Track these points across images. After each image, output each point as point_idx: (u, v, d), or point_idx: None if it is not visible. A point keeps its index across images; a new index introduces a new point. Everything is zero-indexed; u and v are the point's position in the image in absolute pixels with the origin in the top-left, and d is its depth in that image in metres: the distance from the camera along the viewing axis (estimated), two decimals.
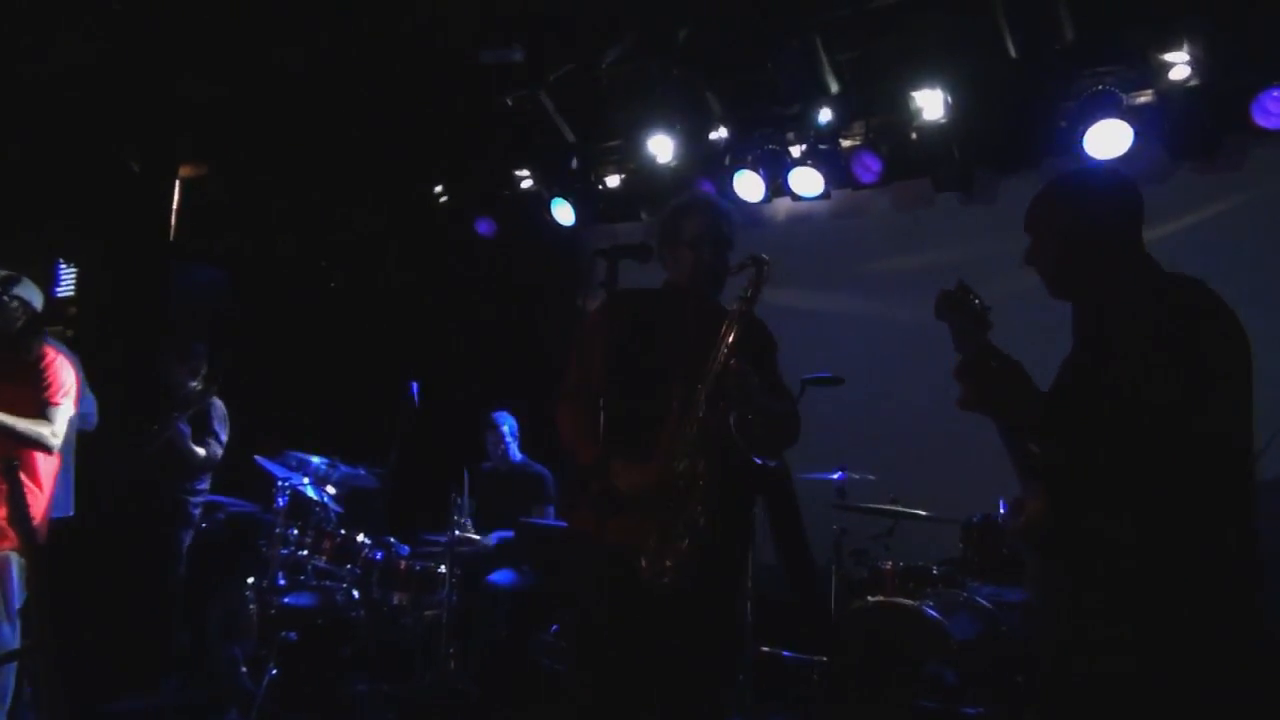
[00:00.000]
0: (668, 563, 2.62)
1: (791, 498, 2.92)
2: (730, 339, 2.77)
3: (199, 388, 5.40)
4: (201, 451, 5.34)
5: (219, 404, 5.49)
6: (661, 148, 6.53)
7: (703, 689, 2.83)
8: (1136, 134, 5.20)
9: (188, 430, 5.27)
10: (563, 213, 7.03)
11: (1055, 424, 2.07)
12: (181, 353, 5.55)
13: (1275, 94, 4.92)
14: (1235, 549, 2.04)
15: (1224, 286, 2.23)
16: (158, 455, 5.21)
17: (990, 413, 2.15)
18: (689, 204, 3.14)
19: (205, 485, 5.53)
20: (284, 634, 5.03)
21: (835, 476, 5.16)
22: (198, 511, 5.51)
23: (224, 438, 5.48)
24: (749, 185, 6.37)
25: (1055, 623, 2.19)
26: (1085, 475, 2.08)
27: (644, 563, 2.64)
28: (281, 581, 5.26)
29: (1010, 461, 2.29)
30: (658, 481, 2.68)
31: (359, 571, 5.44)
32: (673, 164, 6.56)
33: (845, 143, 6.19)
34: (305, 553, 5.41)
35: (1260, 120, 4.98)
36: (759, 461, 2.71)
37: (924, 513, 4.98)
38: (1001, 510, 4.70)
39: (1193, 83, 5.16)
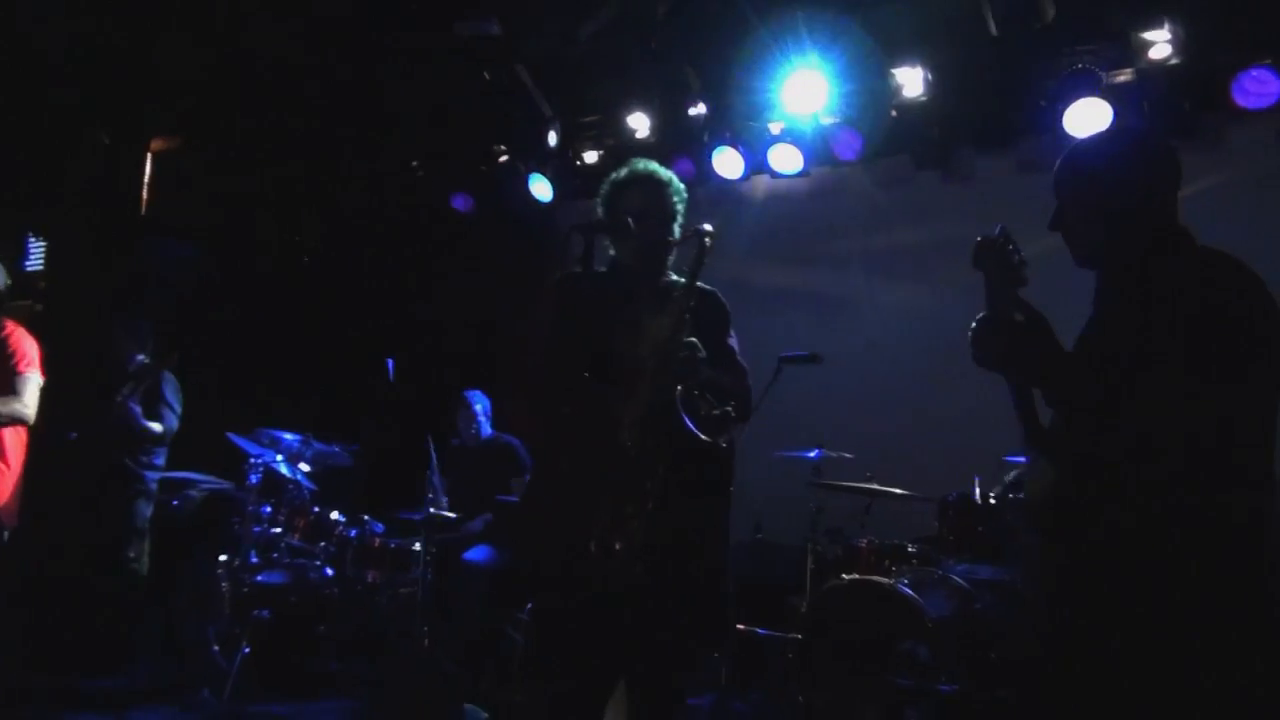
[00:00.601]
0: (617, 545, 2.57)
1: (726, 483, 2.84)
2: (676, 315, 2.72)
3: (148, 363, 5.33)
4: (158, 427, 5.29)
5: (170, 377, 5.43)
6: (640, 123, 6.49)
7: (659, 670, 2.79)
8: (1116, 113, 5.18)
9: (139, 409, 5.21)
10: (540, 188, 6.97)
11: (1078, 391, 1.99)
12: (130, 327, 5.48)
13: (1254, 74, 4.92)
14: (1256, 540, 1.96)
15: None
16: (111, 430, 5.14)
17: (1008, 371, 2.06)
18: (628, 178, 3.01)
19: (161, 460, 5.47)
20: (257, 612, 5.01)
21: (812, 454, 5.15)
22: (155, 485, 5.45)
23: (178, 409, 5.42)
24: (728, 162, 6.33)
25: (1052, 607, 2.13)
26: (1098, 453, 1.99)
27: (593, 545, 2.59)
28: (254, 559, 5.24)
29: (1021, 433, 2.18)
30: (608, 464, 2.63)
31: (333, 549, 5.42)
32: (651, 140, 6.51)
33: (825, 120, 6.15)
34: (278, 530, 5.38)
35: (1239, 100, 4.98)
36: (705, 439, 2.64)
37: (900, 491, 4.99)
38: (975, 491, 4.72)
39: (1172, 62, 5.16)
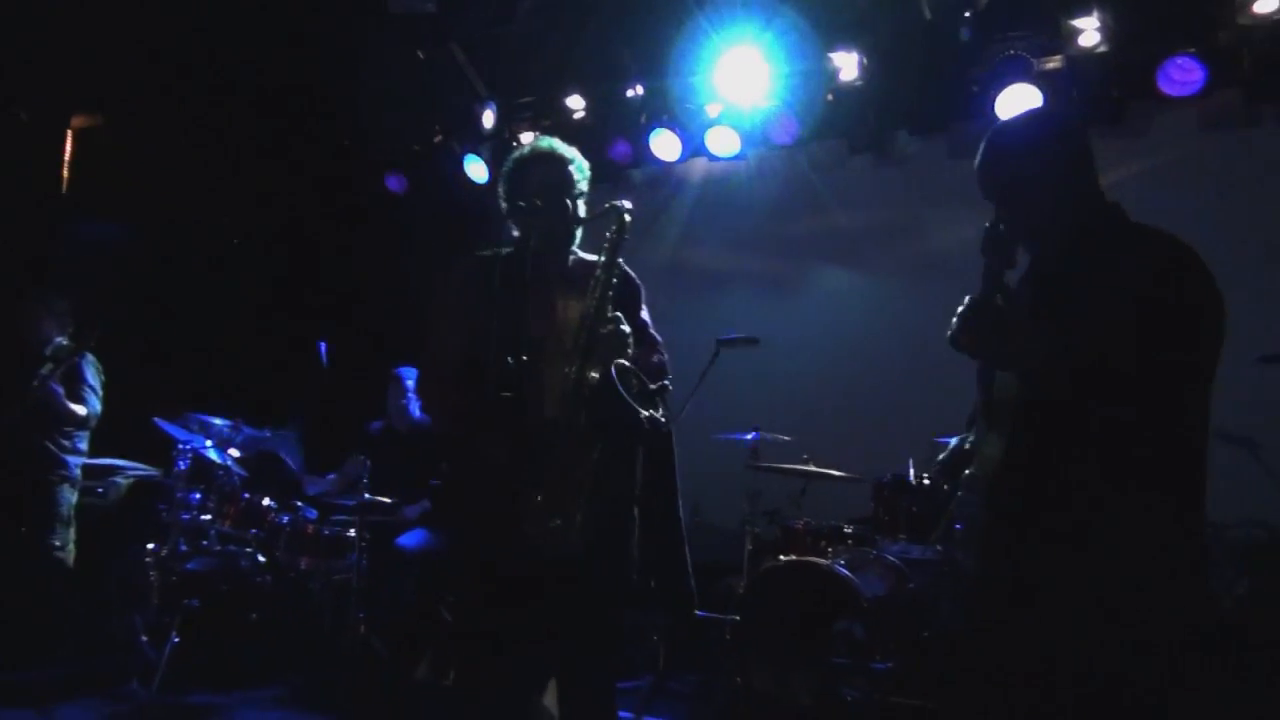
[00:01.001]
0: (554, 524, 2.54)
1: (669, 465, 2.83)
2: (598, 295, 2.69)
3: (68, 344, 5.18)
4: (81, 409, 5.15)
5: (91, 359, 5.28)
6: (577, 105, 6.44)
7: (591, 647, 2.77)
8: (1046, 99, 5.26)
9: (60, 390, 5.06)
10: (476, 169, 6.89)
11: (1046, 373, 2.03)
12: (49, 307, 5.31)
13: (1179, 62, 5.02)
14: (1189, 515, 2.03)
15: None
16: (31, 413, 5.00)
17: (983, 351, 2.08)
18: (531, 155, 2.92)
19: (84, 445, 5.33)
20: (186, 601, 4.91)
21: (749, 437, 5.18)
22: (78, 471, 5.31)
23: (100, 391, 5.28)
24: (665, 144, 6.31)
25: (990, 578, 2.17)
26: (1051, 431, 2.04)
27: (527, 527, 2.57)
28: (183, 547, 5.14)
29: (977, 402, 2.23)
30: (535, 441, 2.60)
31: (264, 536, 5.32)
32: (588, 121, 6.47)
33: (762, 103, 6.16)
34: (208, 518, 5.28)
35: (1164, 87, 5.09)
36: (644, 414, 2.62)
37: (836, 472, 5.04)
38: (909, 472, 4.79)
39: (1101, 49, 5.25)
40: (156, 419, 5.35)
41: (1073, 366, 1.98)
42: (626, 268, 2.91)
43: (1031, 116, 2.46)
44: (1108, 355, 1.95)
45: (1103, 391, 1.97)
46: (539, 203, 2.82)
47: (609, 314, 2.68)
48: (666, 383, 2.74)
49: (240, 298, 7.26)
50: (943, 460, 2.36)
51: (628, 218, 2.76)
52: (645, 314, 3.03)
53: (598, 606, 2.73)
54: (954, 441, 2.36)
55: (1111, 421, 1.98)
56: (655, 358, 2.95)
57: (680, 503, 2.93)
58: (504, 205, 2.92)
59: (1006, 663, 2.09)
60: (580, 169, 2.93)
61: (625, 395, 2.56)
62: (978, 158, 2.27)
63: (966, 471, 2.19)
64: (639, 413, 2.57)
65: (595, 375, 2.61)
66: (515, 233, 2.92)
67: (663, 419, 2.69)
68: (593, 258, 2.85)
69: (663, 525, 2.84)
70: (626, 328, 2.68)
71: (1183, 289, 2.00)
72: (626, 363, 2.65)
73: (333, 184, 7.43)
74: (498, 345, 2.63)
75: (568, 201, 2.87)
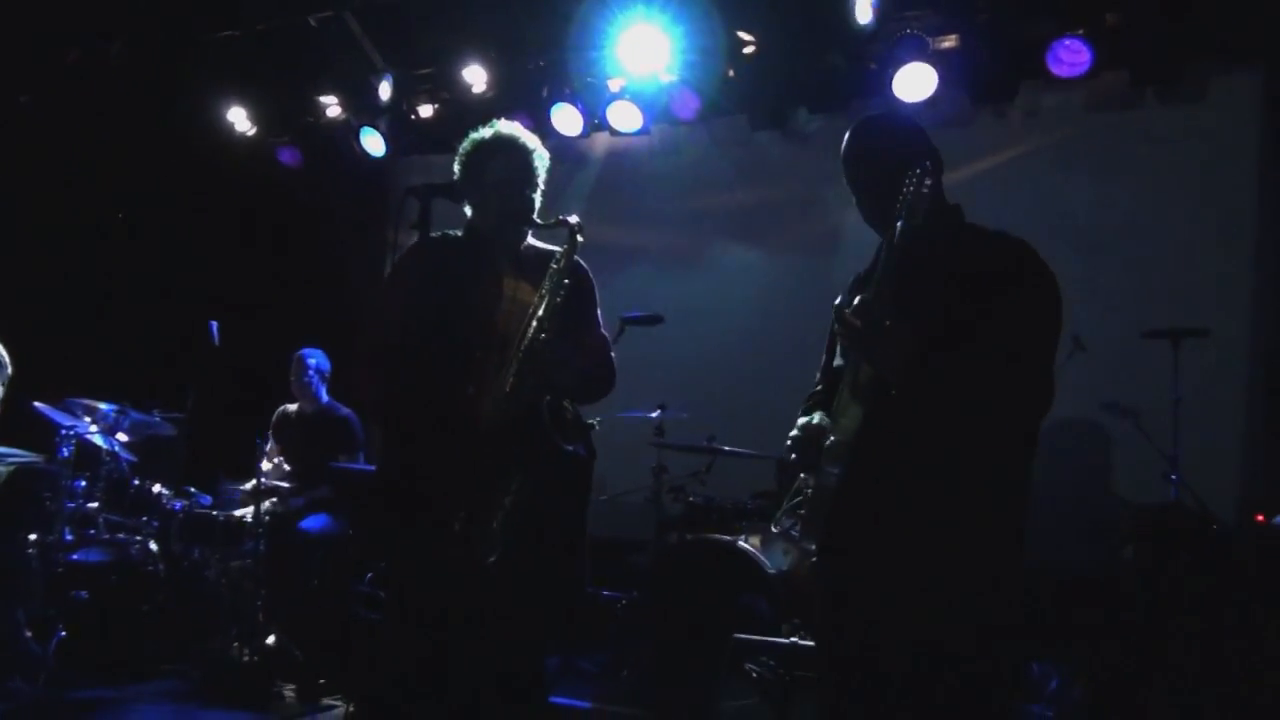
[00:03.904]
0: (482, 530, 2.53)
1: (585, 489, 2.86)
2: (541, 310, 2.67)
3: None
4: None
5: None
6: (476, 77, 6.31)
7: (518, 650, 2.78)
8: (941, 78, 5.35)
9: None
10: (372, 143, 6.73)
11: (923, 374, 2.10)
12: None
13: (1067, 44, 5.15)
14: (1020, 487, 2.19)
15: (1020, 227, 2.31)
16: None
17: (874, 348, 2.14)
18: (495, 142, 2.89)
19: None
20: (73, 593, 4.76)
21: (654, 414, 5.19)
22: None
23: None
24: (567, 119, 6.24)
25: (835, 550, 2.26)
26: (911, 404, 2.12)
27: (456, 528, 2.54)
28: (69, 537, 4.95)
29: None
30: (467, 451, 2.58)
31: (156, 524, 5.15)
32: (488, 95, 6.35)
33: (664, 78, 6.13)
34: (95, 505, 5.08)
35: (1053, 68, 5.20)
36: (569, 449, 2.64)
37: (740, 449, 5.08)
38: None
39: (994, 29, 5.34)
40: (37, 403, 5.11)
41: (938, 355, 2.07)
42: (586, 269, 2.91)
43: (896, 117, 2.60)
44: (968, 340, 2.07)
45: (959, 374, 2.09)
46: (497, 194, 2.80)
47: (550, 334, 2.64)
48: (594, 424, 2.79)
49: (126, 275, 6.96)
50: (796, 438, 2.43)
51: (580, 237, 2.75)
52: (599, 313, 3.02)
53: (523, 613, 2.72)
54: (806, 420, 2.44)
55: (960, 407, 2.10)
56: (600, 362, 2.95)
57: (585, 526, 2.95)
58: (460, 187, 2.87)
59: (845, 630, 2.23)
60: (541, 159, 2.90)
61: (551, 434, 2.59)
62: (844, 148, 2.38)
63: (829, 441, 2.26)
64: (562, 449, 2.57)
65: (527, 392, 2.60)
66: (468, 214, 2.89)
67: (584, 451, 2.70)
68: (546, 247, 2.82)
69: (566, 547, 2.85)
70: (568, 349, 2.67)
71: (1041, 279, 2.17)
72: (561, 392, 2.66)
73: (222, 158, 7.15)
74: (445, 333, 2.59)
75: (527, 193, 2.84)
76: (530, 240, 2.93)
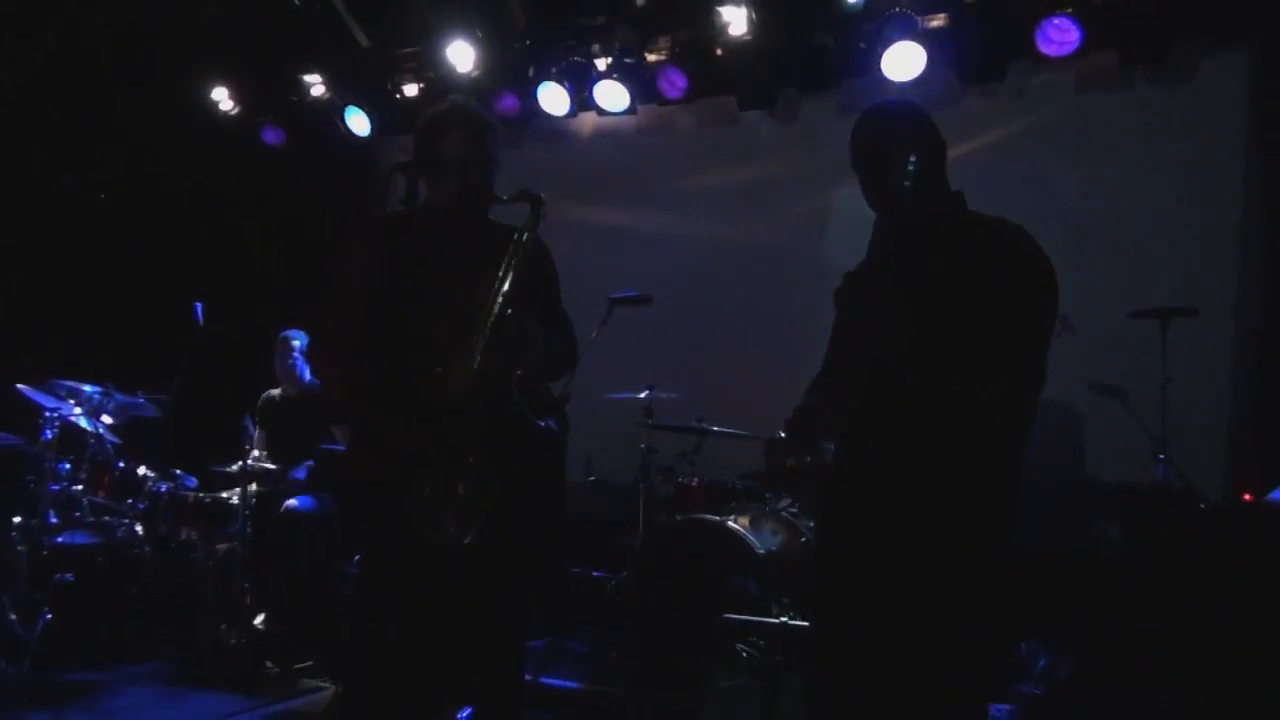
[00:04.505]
0: (446, 516, 2.50)
1: (559, 465, 2.85)
2: (506, 285, 2.61)
3: None
4: None
5: None
6: (462, 56, 6.24)
7: (497, 629, 2.76)
8: (930, 58, 5.33)
9: None
10: (357, 122, 6.68)
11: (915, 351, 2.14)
12: None
13: (1055, 22, 5.13)
14: (1013, 468, 2.23)
15: (1007, 208, 2.30)
16: None
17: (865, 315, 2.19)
18: (448, 118, 2.81)
19: None
20: (58, 576, 4.72)
21: (642, 395, 5.18)
22: None
23: None
24: (553, 98, 6.20)
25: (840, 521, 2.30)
26: (908, 387, 2.16)
27: (422, 514, 2.52)
28: (53, 520, 4.92)
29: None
30: (430, 436, 2.54)
31: (142, 506, 5.12)
32: (474, 74, 6.29)
33: (651, 57, 6.09)
34: (79, 488, 5.04)
35: (1042, 47, 5.19)
36: (541, 424, 2.62)
37: (729, 429, 5.08)
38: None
39: (983, 7, 5.32)
40: (19, 385, 5.07)
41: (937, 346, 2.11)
42: (542, 241, 2.82)
43: (906, 103, 2.57)
44: (971, 327, 2.10)
45: (958, 361, 2.11)
46: (453, 171, 2.73)
47: (516, 310, 2.59)
48: (561, 400, 2.76)
49: (110, 256, 6.89)
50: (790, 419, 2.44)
51: (543, 211, 2.68)
52: (558, 289, 2.97)
53: (493, 596, 2.70)
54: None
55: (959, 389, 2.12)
56: (562, 345, 2.91)
57: (562, 504, 2.95)
58: (417, 164, 2.79)
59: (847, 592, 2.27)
60: (497, 135, 2.84)
61: (524, 411, 2.57)
62: (851, 134, 2.42)
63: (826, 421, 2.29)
64: (535, 426, 2.55)
65: (493, 371, 2.56)
66: (423, 191, 2.80)
67: (557, 427, 2.69)
68: (505, 224, 2.77)
69: (544, 524, 2.85)
70: (534, 325, 2.62)
71: (1037, 266, 2.20)
72: (527, 361, 2.62)
73: (207, 137, 7.08)
74: (407, 313, 2.55)
75: (486, 168, 2.78)
76: (491, 220, 2.88)
